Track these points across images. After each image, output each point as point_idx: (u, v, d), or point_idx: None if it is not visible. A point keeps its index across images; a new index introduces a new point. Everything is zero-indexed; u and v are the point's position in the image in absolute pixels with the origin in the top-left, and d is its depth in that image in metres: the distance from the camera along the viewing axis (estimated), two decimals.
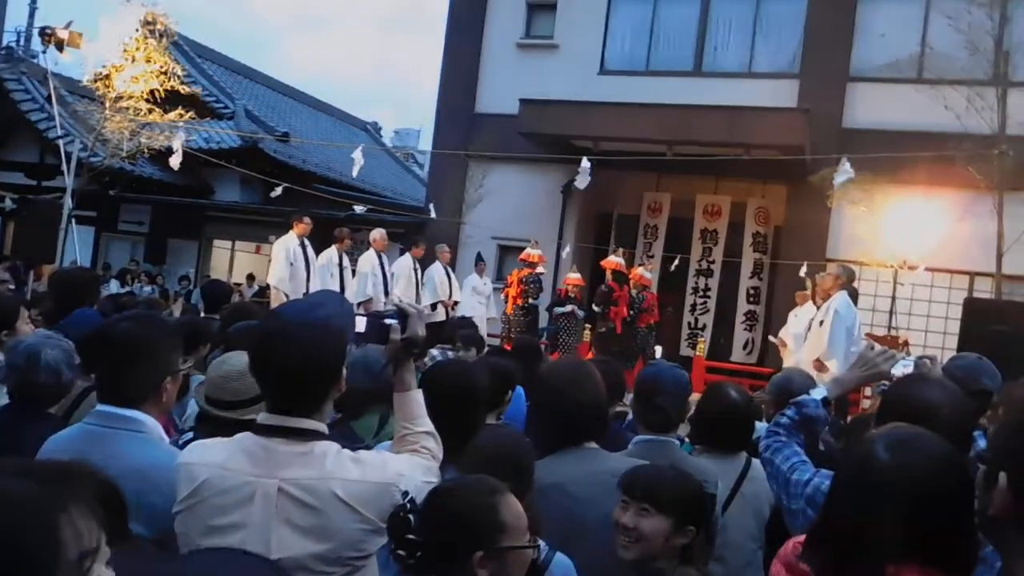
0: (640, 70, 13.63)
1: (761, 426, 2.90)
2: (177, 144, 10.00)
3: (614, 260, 10.94)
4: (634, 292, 10.65)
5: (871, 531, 1.27)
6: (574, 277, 11.32)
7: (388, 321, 2.05)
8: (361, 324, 2.12)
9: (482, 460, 2.03)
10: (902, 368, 2.23)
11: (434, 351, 4.24)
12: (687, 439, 3.10)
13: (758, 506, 2.73)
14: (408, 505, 1.59)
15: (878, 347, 2.30)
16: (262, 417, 1.81)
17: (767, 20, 13.09)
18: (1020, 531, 1.17)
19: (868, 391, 7.53)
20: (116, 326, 2.09)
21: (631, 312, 10.50)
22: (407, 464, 1.89)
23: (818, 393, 2.30)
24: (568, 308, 10.74)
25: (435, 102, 14.91)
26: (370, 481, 1.76)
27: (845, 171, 9.42)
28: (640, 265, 11.90)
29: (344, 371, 1.85)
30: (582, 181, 10.46)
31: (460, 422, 2.23)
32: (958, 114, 9.89)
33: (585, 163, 10.35)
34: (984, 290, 11.04)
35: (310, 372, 1.77)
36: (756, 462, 2.71)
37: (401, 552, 1.56)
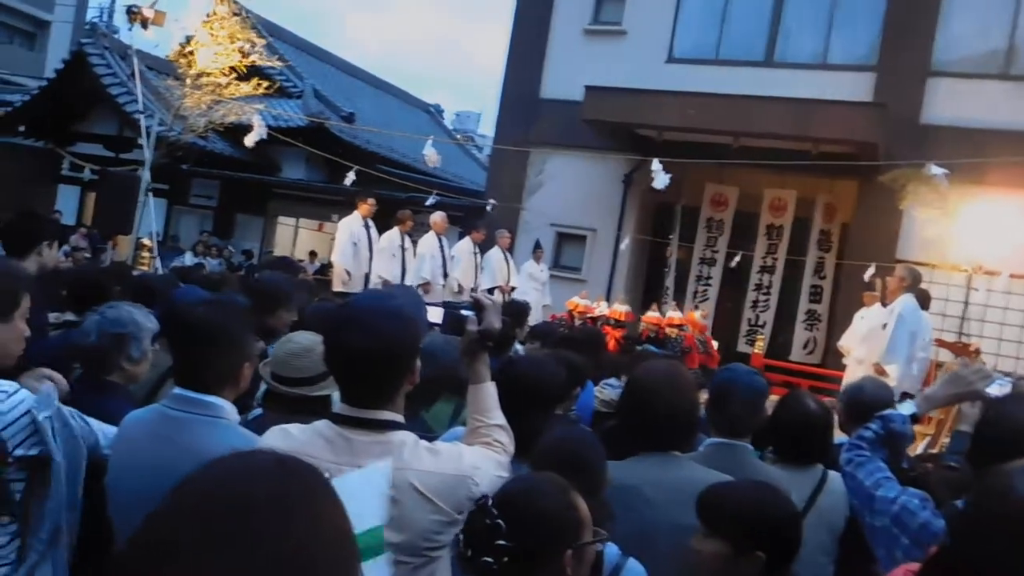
0: (709, 59, 13.35)
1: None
2: (257, 124, 10.16)
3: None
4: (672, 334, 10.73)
5: (1001, 567, 1.20)
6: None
7: (464, 313, 2.02)
8: (438, 315, 2.10)
9: (552, 458, 2.01)
10: (998, 388, 2.11)
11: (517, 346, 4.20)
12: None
13: (833, 519, 2.64)
14: (494, 511, 1.56)
15: (973, 364, 2.20)
16: (339, 407, 1.80)
17: (845, 9, 12.67)
18: None
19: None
20: (195, 311, 2.08)
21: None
22: (481, 457, 1.88)
23: (906, 409, 2.20)
24: None
25: (497, 86, 14.87)
26: (447, 473, 1.75)
27: (936, 171, 9.10)
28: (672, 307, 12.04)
29: (418, 363, 1.83)
30: (660, 182, 10.28)
31: (530, 418, 2.20)
32: None
33: (656, 164, 10.18)
34: None
35: (384, 359, 1.75)
36: (832, 474, 2.63)
37: (488, 559, 1.54)
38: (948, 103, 11.56)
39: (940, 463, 2.87)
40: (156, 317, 2.63)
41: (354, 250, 9.32)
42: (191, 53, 11.33)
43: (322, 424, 1.79)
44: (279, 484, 0.77)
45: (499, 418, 2.01)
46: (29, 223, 3.52)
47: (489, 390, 2.03)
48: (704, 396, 2.66)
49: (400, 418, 1.80)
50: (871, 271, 10.62)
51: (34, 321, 3.11)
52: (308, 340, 2.60)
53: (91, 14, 26.82)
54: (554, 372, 2.48)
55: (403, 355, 1.78)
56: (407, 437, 1.77)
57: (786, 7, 13.03)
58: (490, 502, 1.60)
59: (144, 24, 8.91)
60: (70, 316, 3.47)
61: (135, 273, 6.17)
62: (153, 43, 11.83)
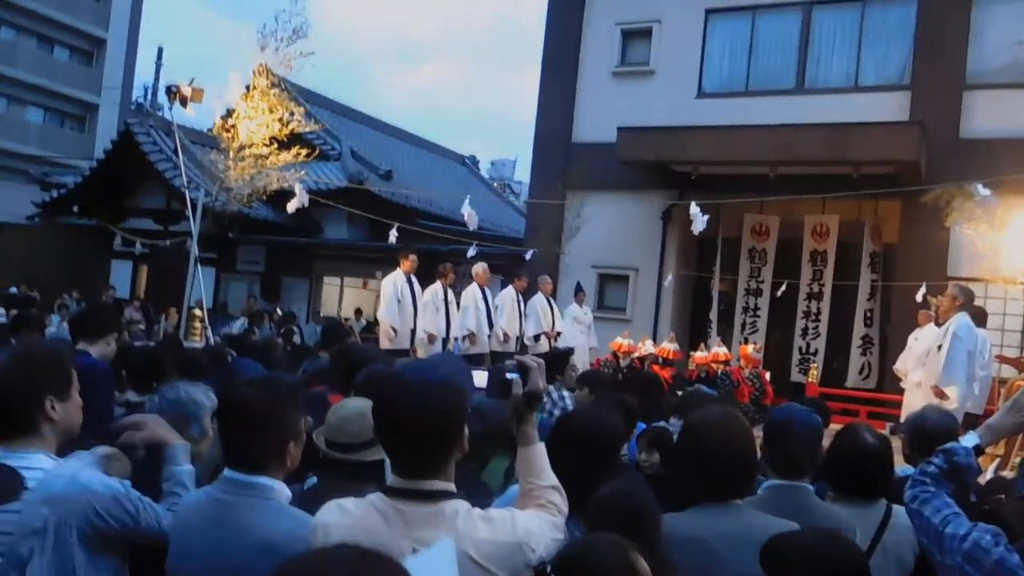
0: (739, 91, 13.38)
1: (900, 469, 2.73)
2: (299, 191, 10.43)
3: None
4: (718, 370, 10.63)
5: None
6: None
7: (510, 376, 2.03)
8: (482, 379, 2.11)
9: (607, 516, 1.99)
10: None
11: (551, 388, 4.20)
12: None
13: (901, 556, 2.56)
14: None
15: None
16: (391, 480, 1.81)
17: (874, 30, 12.63)
18: None
19: None
20: (240, 391, 2.07)
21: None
22: (536, 521, 1.86)
23: (969, 440, 2.14)
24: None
25: (531, 132, 15.06)
26: (501, 541, 1.74)
27: (982, 191, 8.94)
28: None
29: (466, 430, 1.84)
30: (698, 226, 10.31)
31: (589, 472, 2.19)
32: None
33: (695, 208, 10.20)
34: None
35: (434, 430, 1.77)
36: (897, 509, 2.55)
37: None
38: (987, 115, 11.40)
39: (1013, 495, 2.78)
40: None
41: (399, 306, 9.42)
42: (233, 127, 11.68)
43: (375, 497, 1.80)
44: (360, 573, 0.85)
45: (551, 479, 1.99)
46: (106, 312, 3.93)
47: (539, 451, 2.02)
48: (758, 434, 2.62)
49: (452, 487, 1.81)
50: (922, 291, 10.41)
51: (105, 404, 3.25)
52: (360, 405, 2.60)
53: (136, 94, 27.91)
54: (612, 424, 2.47)
55: (452, 424, 1.79)
56: (460, 506, 1.77)
57: (814, 33, 13.03)
58: (549, 568, 1.60)
59: (183, 102, 9.23)
60: (131, 396, 3.57)
61: (185, 345, 6.33)
62: (194, 118, 12.25)
